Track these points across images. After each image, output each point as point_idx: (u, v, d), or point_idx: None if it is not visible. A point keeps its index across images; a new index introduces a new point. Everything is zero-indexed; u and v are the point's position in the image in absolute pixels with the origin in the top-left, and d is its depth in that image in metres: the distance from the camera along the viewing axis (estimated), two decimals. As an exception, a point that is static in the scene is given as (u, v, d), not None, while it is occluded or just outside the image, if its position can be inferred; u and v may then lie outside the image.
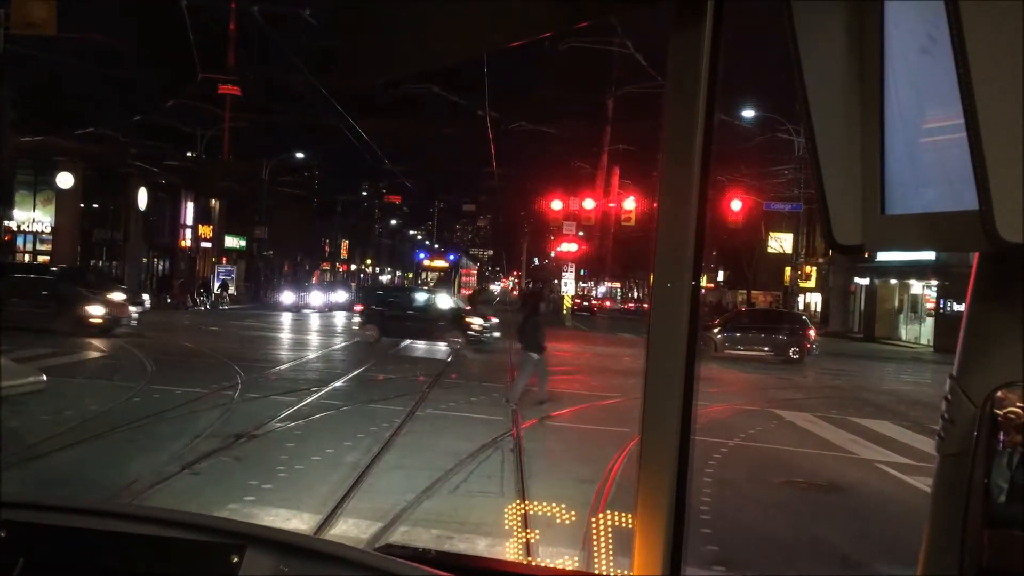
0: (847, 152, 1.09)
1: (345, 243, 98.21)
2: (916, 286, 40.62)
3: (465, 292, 55.69)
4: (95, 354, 18.34)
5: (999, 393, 0.93)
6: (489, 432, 11.09)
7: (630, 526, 1.60)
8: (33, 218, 44.26)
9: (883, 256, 34.89)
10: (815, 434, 12.65)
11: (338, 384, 15.30)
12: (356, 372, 17.33)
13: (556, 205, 41.20)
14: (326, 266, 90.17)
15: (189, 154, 51.48)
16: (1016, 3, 0.79)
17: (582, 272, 68.88)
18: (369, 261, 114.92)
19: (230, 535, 1.43)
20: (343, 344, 25.32)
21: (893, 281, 42.37)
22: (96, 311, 22.36)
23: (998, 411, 0.93)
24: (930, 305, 38.70)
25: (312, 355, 21.24)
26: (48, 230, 44.08)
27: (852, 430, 12.98)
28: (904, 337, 41.24)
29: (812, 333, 26.45)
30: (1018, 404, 0.92)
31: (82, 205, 43.31)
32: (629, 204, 39.53)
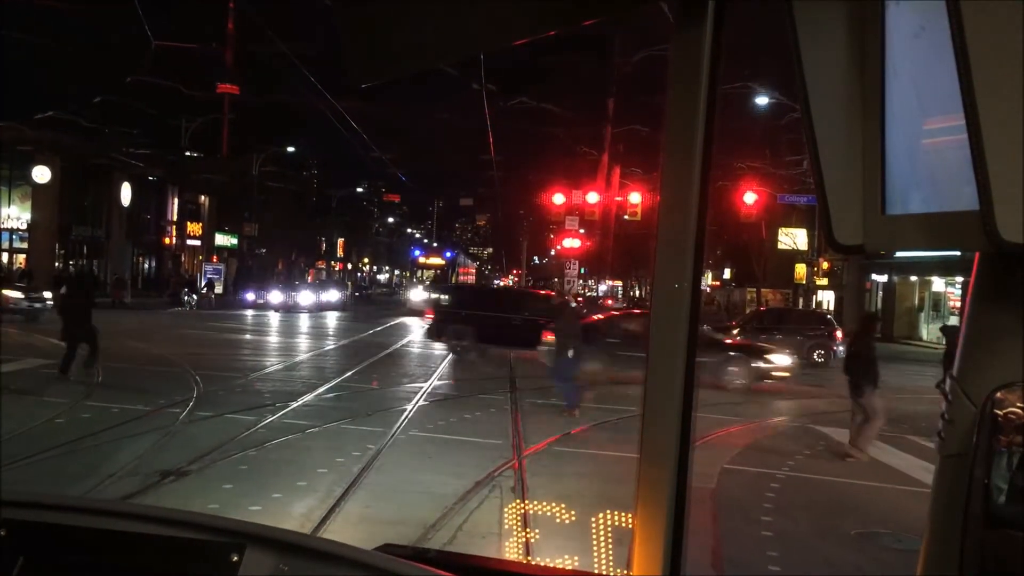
0: (848, 152, 1.08)
1: (341, 241, 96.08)
2: (938, 283, 38.54)
3: None
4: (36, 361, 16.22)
5: (999, 393, 0.92)
6: (485, 462, 9.02)
7: (629, 526, 1.51)
8: (8, 214, 42.16)
9: (903, 252, 32.94)
10: (875, 459, 10.52)
11: (309, 398, 13.16)
12: (335, 382, 15.22)
13: (558, 199, 39.03)
14: (321, 264, 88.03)
15: (190, 153, 49.44)
16: (1017, 4, 0.79)
17: (582, 270, 66.66)
18: (366, 260, 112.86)
19: (230, 534, 1.41)
20: (329, 348, 23.18)
21: (913, 278, 40.27)
22: (783, 361, 17.43)
23: (998, 411, 0.92)
24: (953, 303, 36.62)
25: (290, 361, 19.14)
26: (25, 227, 42.01)
27: (918, 453, 10.86)
28: (925, 337, 39.08)
29: (839, 334, 24.32)
30: (1018, 404, 0.91)
31: (61, 200, 41.32)
32: (635, 198, 37.42)
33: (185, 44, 28.35)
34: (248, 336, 25.91)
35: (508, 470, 8.77)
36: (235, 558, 1.37)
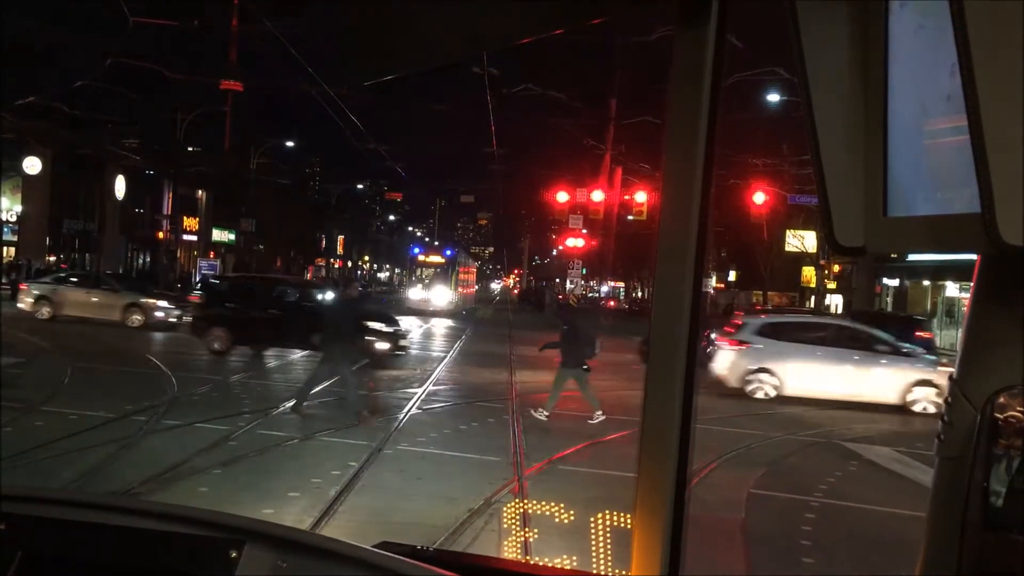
0: (850, 153, 1.08)
1: (341, 238, 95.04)
2: (952, 287, 37.45)
3: (463, 290, 52.41)
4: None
5: (999, 397, 0.92)
6: (481, 482, 7.98)
7: (629, 526, 1.46)
8: (-2, 206, 41.18)
9: (916, 255, 31.99)
10: (918, 483, 9.43)
11: (292, 404, 12.11)
12: (323, 386, 14.15)
13: (562, 197, 38.06)
14: (320, 262, 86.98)
15: (189, 148, 48.38)
16: (1019, 5, 0.79)
17: (583, 271, 65.83)
18: (367, 257, 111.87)
19: (229, 530, 1.41)
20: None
21: (926, 282, 39.18)
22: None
23: (998, 415, 0.92)
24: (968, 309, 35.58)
25: (277, 363, 18.08)
26: (15, 219, 41.03)
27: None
28: (938, 343, 38.01)
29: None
30: (1018, 408, 0.91)
31: (52, 192, 40.33)
32: (640, 197, 36.39)
33: (164, 21, 27.13)
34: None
35: (507, 493, 7.73)
36: (234, 554, 1.36)
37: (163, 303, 23.98)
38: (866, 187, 1.08)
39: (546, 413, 11.66)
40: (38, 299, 23.50)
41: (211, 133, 48.51)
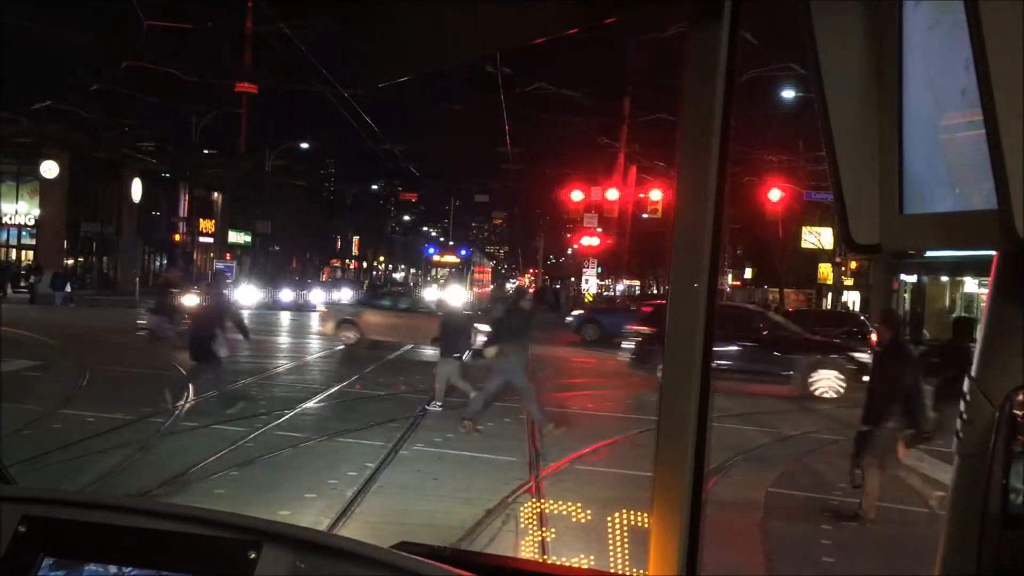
0: (865, 151, 1.08)
1: (356, 239, 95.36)
2: (971, 283, 37.17)
3: (479, 289, 52.54)
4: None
5: (1019, 394, 0.92)
6: (498, 483, 7.98)
7: (646, 525, 1.51)
8: (16, 210, 41.52)
9: (921, 251, 31.76)
10: (940, 482, 9.36)
11: (309, 405, 12.16)
12: (338, 387, 14.20)
13: (576, 195, 38.05)
14: (336, 262, 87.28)
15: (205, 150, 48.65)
16: None
17: (598, 269, 65.64)
18: (382, 258, 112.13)
19: (247, 531, 1.42)
20: (339, 348, 22.15)
21: (944, 278, 38.89)
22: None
23: (1017, 412, 0.92)
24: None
25: (294, 363, 18.13)
26: (33, 223, 41.38)
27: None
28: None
29: (874, 338, 23.09)
30: None
31: (70, 196, 40.62)
32: (655, 195, 36.30)
33: (178, 24, 27.21)
34: (252, 336, 24.94)
35: (524, 493, 7.72)
36: (252, 555, 1.37)
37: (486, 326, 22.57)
38: (881, 184, 1.07)
39: (439, 404, 12.10)
40: (341, 323, 22.19)
41: (227, 135, 48.78)
